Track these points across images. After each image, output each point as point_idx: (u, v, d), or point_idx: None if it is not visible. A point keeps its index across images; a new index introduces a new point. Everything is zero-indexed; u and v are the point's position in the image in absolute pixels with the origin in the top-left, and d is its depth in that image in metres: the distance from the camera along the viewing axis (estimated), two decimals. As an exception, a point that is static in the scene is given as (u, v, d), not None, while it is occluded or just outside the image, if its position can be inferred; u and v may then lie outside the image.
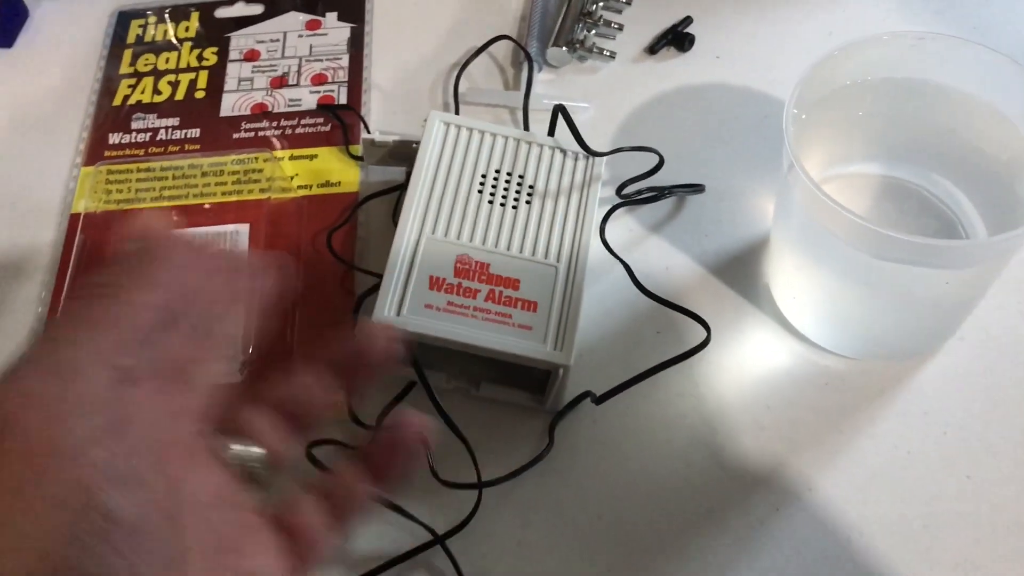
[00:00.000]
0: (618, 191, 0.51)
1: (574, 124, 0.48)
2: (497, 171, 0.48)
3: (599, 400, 0.44)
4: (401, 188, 0.51)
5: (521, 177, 0.47)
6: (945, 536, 0.41)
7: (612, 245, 0.49)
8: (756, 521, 0.42)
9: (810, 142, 0.44)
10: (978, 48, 0.42)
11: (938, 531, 0.42)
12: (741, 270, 0.49)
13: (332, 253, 0.50)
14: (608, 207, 0.51)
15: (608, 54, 0.57)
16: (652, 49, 0.57)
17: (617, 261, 0.48)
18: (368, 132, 0.55)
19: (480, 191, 0.47)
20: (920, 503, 0.42)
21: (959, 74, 0.43)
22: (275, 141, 0.56)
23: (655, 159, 0.51)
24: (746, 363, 0.47)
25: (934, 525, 0.42)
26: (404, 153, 0.51)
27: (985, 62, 0.42)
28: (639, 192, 0.51)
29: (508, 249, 0.45)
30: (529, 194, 0.47)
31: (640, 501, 0.43)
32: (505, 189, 0.47)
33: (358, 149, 0.55)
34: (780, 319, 0.47)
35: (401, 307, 0.43)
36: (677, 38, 0.57)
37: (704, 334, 0.45)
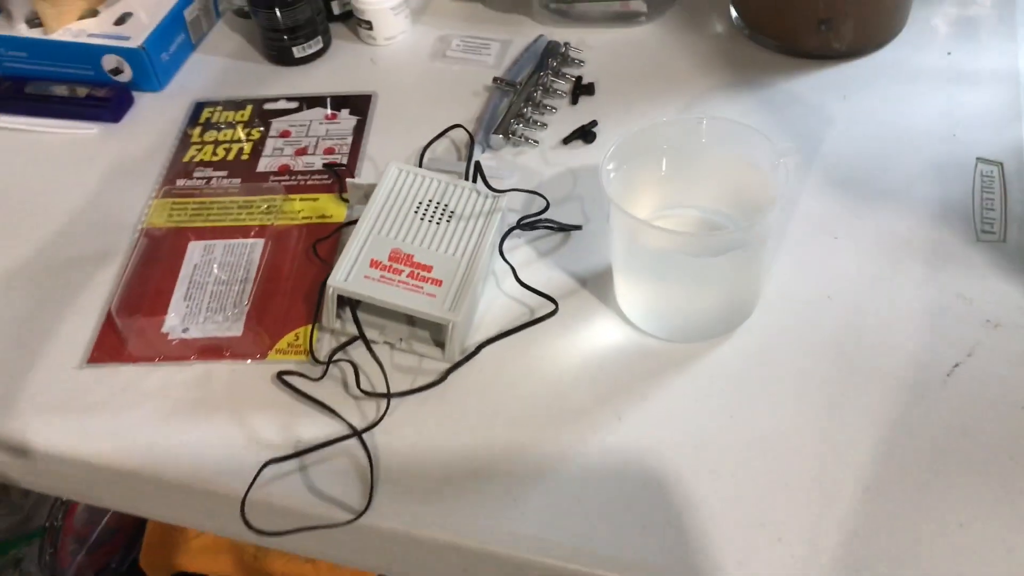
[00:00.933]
0: (518, 223, 0.72)
1: (483, 172, 0.69)
2: (431, 200, 0.69)
3: (479, 347, 0.64)
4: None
5: (446, 205, 0.69)
6: (709, 453, 0.59)
7: (511, 261, 0.69)
8: (578, 438, 0.60)
9: (637, 191, 0.64)
10: (736, 123, 0.62)
11: (706, 449, 0.59)
12: (602, 283, 0.69)
13: (316, 255, 0.72)
14: (507, 229, 0.72)
15: (533, 142, 0.79)
16: (565, 140, 0.79)
17: (509, 268, 0.68)
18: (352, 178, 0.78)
19: (415, 211, 0.68)
20: (694, 431, 0.60)
21: (725, 144, 0.63)
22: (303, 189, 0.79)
23: (544, 203, 0.72)
24: (590, 339, 0.65)
25: (700, 445, 0.59)
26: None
27: (740, 131, 0.62)
28: (531, 224, 0.72)
29: (429, 247, 0.66)
30: (450, 216, 0.68)
31: (504, 420, 0.61)
32: (435, 212, 0.68)
33: (348, 195, 0.77)
34: (621, 315, 0.67)
35: (348, 276, 0.64)
36: (585, 134, 0.79)
37: (552, 307, 0.65)
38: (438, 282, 0.64)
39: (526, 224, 0.72)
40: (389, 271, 0.64)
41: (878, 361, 0.62)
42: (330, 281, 0.64)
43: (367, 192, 0.74)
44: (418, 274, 0.64)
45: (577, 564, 0.55)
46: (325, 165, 0.80)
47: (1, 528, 1.04)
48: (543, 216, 0.73)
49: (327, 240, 0.74)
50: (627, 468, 0.59)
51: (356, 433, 0.61)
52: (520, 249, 0.72)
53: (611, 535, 0.56)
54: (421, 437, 0.61)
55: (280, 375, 0.65)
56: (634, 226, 0.59)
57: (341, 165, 0.80)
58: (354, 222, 0.74)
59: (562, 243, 0.72)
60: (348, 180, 0.74)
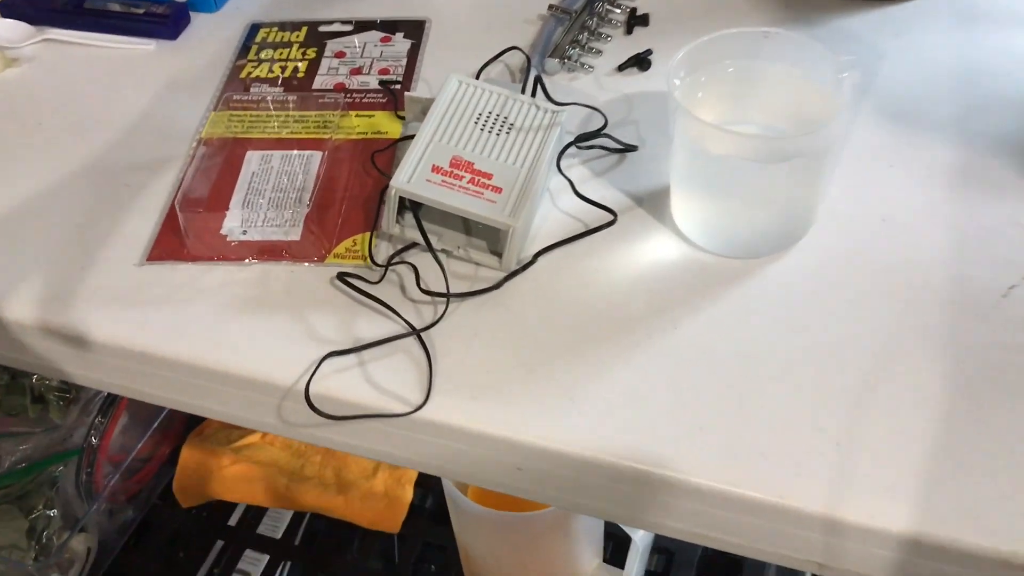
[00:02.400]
0: (576, 139, 0.73)
1: (544, 86, 0.70)
2: (490, 112, 0.70)
3: (537, 255, 0.65)
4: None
5: (506, 118, 0.70)
6: (764, 361, 0.60)
7: (568, 176, 0.70)
8: (633, 343, 0.61)
9: (697, 104, 0.65)
10: (799, 38, 0.63)
11: (759, 358, 0.60)
12: (658, 202, 0.70)
13: (374, 165, 0.73)
14: (564, 145, 0.73)
15: (588, 67, 0.79)
16: (620, 67, 0.80)
17: (567, 182, 0.69)
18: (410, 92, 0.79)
19: (475, 122, 0.69)
20: (749, 341, 0.61)
21: (789, 59, 0.64)
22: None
23: (602, 120, 0.73)
24: (646, 253, 0.66)
25: (755, 354, 0.60)
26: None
27: (803, 46, 0.63)
28: (589, 142, 0.73)
29: (489, 156, 0.67)
30: (509, 128, 0.69)
31: (558, 326, 0.62)
32: (494, 123, 0.69)
33: (403, 113, 0.78)
34: (677, 232, 0.67)
35: (411, 178, 0.65)
36: (639, 61, 0.80)
37: (611, 217, 0.66)
38: (498, 189, 0.65)
39: (584, 141, 0.73)
40: (450, 176, 0.65)
41: (932, 282, 0.63)
42: (393, 182, 0.65)
43: (425, 107, 0.74)
44: (479, 180, 0.65)
45: (632, 462, 0.56)
46: (381, 83, 0.81)
47: (39, 446, 1.06)
48: (602, 133, 0.73)
49: (385, 152, 0.74)
50: (683, 372, 0.59)
51: (415, 331, 0.62)
52: (575, 168, 0.72)
53: (668, 435, 0.56)
54: (478, 339, 0.62)
55: (341, 276, 0.66)
56: (700, 131, 0.59)
57: (396, 82, 0.81)
58: (411, 137, 0.75)
59: (618, 163, 0.73)
60: (406, 94, 0.75)
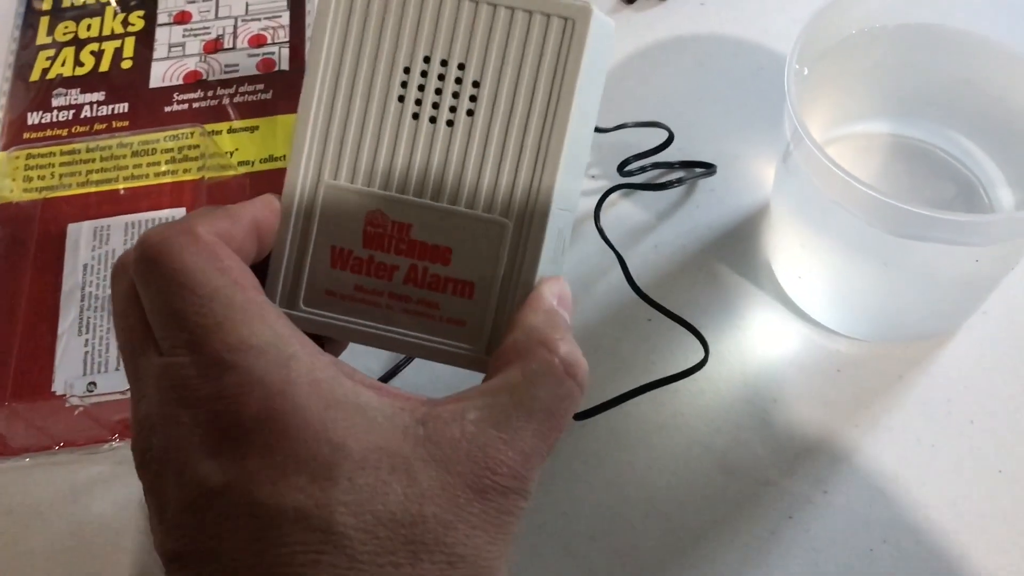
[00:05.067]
0: (620, 168, 0.45)
1: None
2: (427, 58, 0.30)
3: (578, 417, 0.39)
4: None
5: (462, 67, 0.30)
6: (978, 541, 0.37)
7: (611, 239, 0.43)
8: (767, 531, 0.38)
9: (814, 99, 0.39)
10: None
11: (970, 535, 0.37)
12: (738, 245, 0.44)
13: None
14: (606, 188, 0.45)
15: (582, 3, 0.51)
16: (629, -3, 0.52)
17: (607, 247, 0.43)
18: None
19: (401, 98, 0.30)
20: (948, 504, 0.38)
21: (977, 17, 0.38)
22: (230, 111, 0.50)
23: (664, 133, 0.45)
24: (748, 351, 0.42)
25: (965, 529, 0.37)
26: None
27: (1006, 3, 0.37)
28: (644, 171, 0.46)
29: (438, 197, 0.30)
30: (473, 97, 0.30)
31: (637, 516, 0.38)
32: (437, 91, 0.30)
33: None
34: (784, 299, 0.42)
35: (296, 297, 0.31)
36: (656, -17, 0.51)
37: (702, 353, 0.40)
38: (466, 287, 0.30)
39: (634, 174, 0.45)
40: (369, 272, 0.30)
41: None
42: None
43: None
44: (426, 272, 0.30)
45: None
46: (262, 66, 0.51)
47: None
48: (662, 159, 0.46)
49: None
50: (844, 570, 0.37)
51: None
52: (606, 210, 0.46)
53: None
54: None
55: None
56: (867, 203, 0.33)
57: (280, 62, 0.51)
58: None
59: (685, 196, 0.46)
60: None
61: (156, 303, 0.26)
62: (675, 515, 0.38)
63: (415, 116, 0.30)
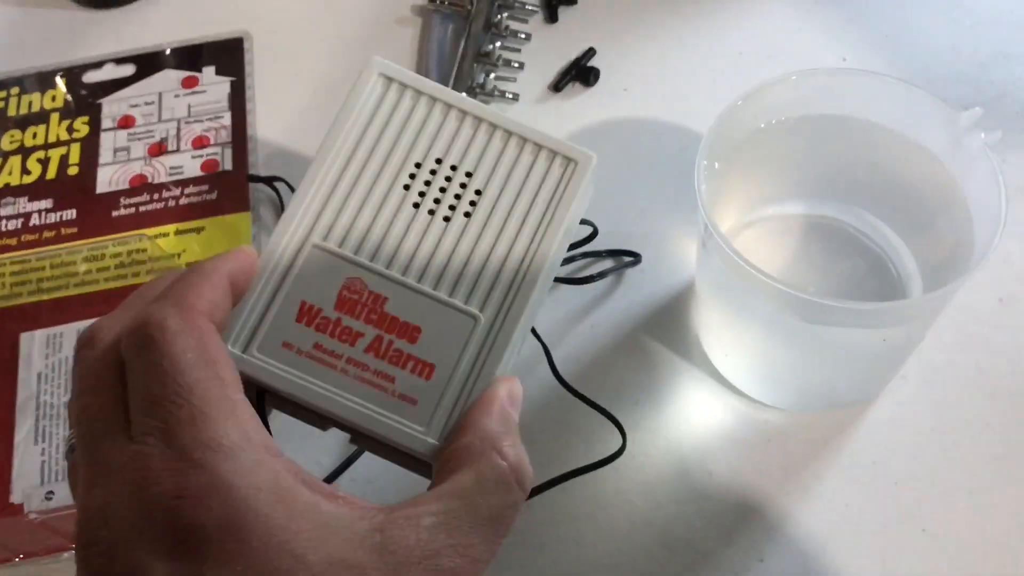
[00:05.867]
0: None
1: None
2: (439, 160, 0.34)
3: None
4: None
5: (469, 175, 0.34)
6: (906, 598, 0.39)
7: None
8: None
9: (728, 187, 0.41)
10: (893, 82, 0.39)
11: (897, 591, 0.39)
12: (670, 323, 0.46)
13: None
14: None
15: (511, 96, 0.53)
16: (556, 86, 0.54)
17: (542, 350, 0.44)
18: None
19: (407, 186, 0.33)
20: (877, 565, 0.40)
21: (876, 108, 0.41)
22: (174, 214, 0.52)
23: (588, 228, 0.47)
24: (684, 425, 0.44)
25: (892, 584, 0.40)
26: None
27: (901, 95, 0.40)
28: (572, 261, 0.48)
29: (420, 279, 0.32)
30: (473, 202, 0.33)
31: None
32: (442, 189, 0.33)
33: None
34: (715, 374, 0.45)
35: (251, 341, 0.31)
36: (581, 73, 0.54)
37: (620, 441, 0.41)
38: (427, 368, 0.32)
39: (572, 276, 0.47)
40: (332, 333, 0.32)
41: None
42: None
43: None
44: (391, 346, 0.32)
45: None
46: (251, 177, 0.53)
47: None
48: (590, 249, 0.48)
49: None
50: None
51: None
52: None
53: None
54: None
55: None
56: (778, 295, 0.36)
57: (221, 165, 0.53)
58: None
59: (612, 286, 0.48)
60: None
61: (142, 383, 0.25)
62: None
63: (415, 205, 0.33)
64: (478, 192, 0.33)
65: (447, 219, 0.33)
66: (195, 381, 0.25)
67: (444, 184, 0.34)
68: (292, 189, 0.51)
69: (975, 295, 0.46)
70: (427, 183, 0.33)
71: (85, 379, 0.27)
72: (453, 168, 0.34)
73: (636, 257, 0.48)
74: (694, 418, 0.44)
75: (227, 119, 0.55)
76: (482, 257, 0.33)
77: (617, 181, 0.50)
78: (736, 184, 0.42)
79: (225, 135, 0.55)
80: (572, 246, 0.47)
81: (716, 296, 0.42)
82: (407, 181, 0.33)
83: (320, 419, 0.33)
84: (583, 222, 0.47)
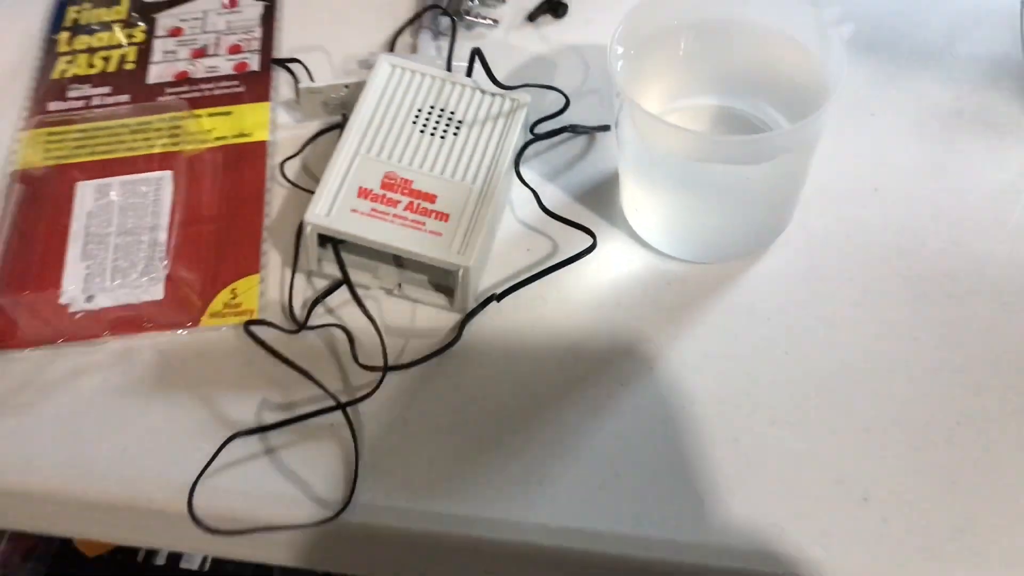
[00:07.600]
0: (531, 129, 0.59)
1: (487, 64, 0.56)
2: (432, 107, 0.55)
3: (499, 297, 0.52)
4: (340, 126, 0.59)
5: (452, 113, 0.55)
6: (763, 400, 0.48)
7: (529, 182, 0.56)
8: (605, 394, 0.49)
9: (646, 76, 0.51)
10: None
11: (758, 396, 0.49)
12: (603, 197, 0.56)
13: (286, 179, 0.59)
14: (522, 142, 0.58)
15: (492, 21, 0.64)
16: (531, 17, 0.65)
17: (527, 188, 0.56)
18: (311, 79, 0.63)
19: (414, 122, 0.55)
20: (743, 376, 0.49)
21: (761, 11, 0.51)
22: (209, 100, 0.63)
23: (563, 100, 0.60)
24: (602, 271, 0.54)
25: (755, 391, 0.49)
26: (337, 102, 0.60)
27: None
28: (551, 131, 0.59)
29: (432, 170, 0.53)
30: (457, 127, 0.55)
31: (514, 386, 0.50)
32: (437, 122, 0.55)
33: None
34: (632, 234, 0.55)
35: (331, 209, 0.51)
36: (552, 7, 0.65)
37: (591, 241, 0.53)
38: (444, 216, 0.51)
39: (548, 136, 0.59)
40: (382, 202, 0.52)
41: (946, 263, 0.52)
42: (308, 217, 0.51)
43: (327, 99, 0.60)
44: (419, 206, 0.52)
45: (623, 549, 0.45)
46: (275, 60, 0.64)
47: None
48: (563, 120, 0.60)
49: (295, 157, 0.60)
50: (668, 428, 0.48)
51: (340, 405, 0.49)
52: (531, 162, 0.59)
53: (660, 514, 0.45)
54: (420, 409, 0.49)
55: (247, 325, 0.53)
56: (652, 128, 0.46)
57: (292, 59, 0.65)
58: (325, 133, 0.60)
59: (585, 150, 0.59)
60: (301, 85, 0.60)
61: None
62: (542, 385, 0.50)
63: (421, 131, 0.54)
64: (460, 122, 0.55)
65: (443, 137, 0.54)
66: None
67: (438, 119, 0.55)
68: (307, 70, 0.64)
69: (855, 183, 0.55)
70: (427, 119, 0.55)
71: None
72: (442, 110, 0.55)
73: (606, 128, 0.59)
74: (611, 266, 0.54)
75: (258, 32, 0.67)
76: (469, 154, 0.54)
77: (584, 88, 0.61)
78: (653, 76, 0.52)
79: (256, 44, 0.66)
80: (549, 117, 0.59)
81: (629, 161, 0.52)
82: (414, 119, 0.55)
83: (379, 254, 0.52)
84: (555, 89, 0.61)
